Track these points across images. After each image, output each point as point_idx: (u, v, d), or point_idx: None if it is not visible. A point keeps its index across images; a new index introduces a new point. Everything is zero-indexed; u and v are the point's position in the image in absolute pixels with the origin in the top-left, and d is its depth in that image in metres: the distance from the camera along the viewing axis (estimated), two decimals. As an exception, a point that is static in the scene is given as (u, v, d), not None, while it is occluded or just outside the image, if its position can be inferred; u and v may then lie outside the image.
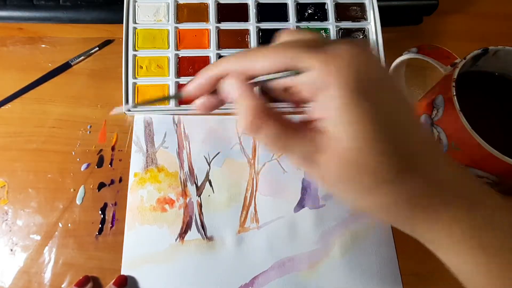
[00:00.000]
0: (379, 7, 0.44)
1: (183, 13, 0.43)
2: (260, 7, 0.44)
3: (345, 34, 0.44)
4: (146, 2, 0.43)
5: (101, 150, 0.39)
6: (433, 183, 0.20)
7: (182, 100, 0.41)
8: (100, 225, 0.36)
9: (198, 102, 0.24)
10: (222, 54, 0.42)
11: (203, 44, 0.42)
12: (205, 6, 0.44)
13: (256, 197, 0.38)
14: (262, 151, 0.40)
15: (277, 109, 0.21)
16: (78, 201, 0.37)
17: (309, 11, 0.45)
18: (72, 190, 0.37)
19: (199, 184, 0.38)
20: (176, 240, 0.36)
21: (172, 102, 0.40)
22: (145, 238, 0.35)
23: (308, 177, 0.38)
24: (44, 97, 0.41)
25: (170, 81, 0.41)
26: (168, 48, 0.42)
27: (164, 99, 0.40)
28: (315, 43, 0.20)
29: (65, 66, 0.42)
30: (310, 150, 0.20)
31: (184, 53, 0.42)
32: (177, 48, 0.42)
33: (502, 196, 0.21)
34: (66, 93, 0.41)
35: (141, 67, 0.41)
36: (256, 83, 0.21)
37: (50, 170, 0.38)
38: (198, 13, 0.43)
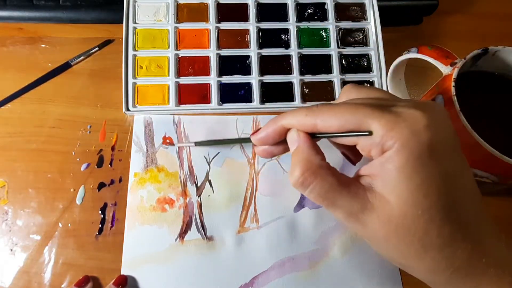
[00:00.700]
0: (379, 7, 0.44)
1: (183, 13, 0.43)
2: (260, 7, 0.44)
3: (345, 34, 0.44)
4: (146, 2, 0.43)
5: (101, 150, 0.39)
6: (478, 254, 0.20)
7: (181, 100, 0.41)
8: (100, 225, 0.36)
9: (261, 148, 0.25)
10: (222, 54, 0.42)
11: (203, 44, 0.42)
12: (205, 6, 0.44)
13: (256, 197, 0.38)
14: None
15: (329, 164, 0.21)
16: (78, 201, 0.37)
17: (309, 11, 0.45)
18: (72, 190, 0.37)
19: (199, 184, 0.38)
20: (176, 240, 0.36)
21: (172, 102, 0.40)
22: (145, 238, 0.35)
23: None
24: (44, 97, 0.41)
25: (170, 81, 0.41)
26: (168, 48, 0.42)
27: (230, 142, 0.39)
28: (383, 102, 0.20)
29: (65, 66, 0.42)
30: (356, 208, 0.20)
31: (184, 53, 0.42)
32: (177, 48, 0.42)
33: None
34: (66, 93, 0.41)
35: (141, 67, 0.41)
36: (320, 138, 0.22)
37: (50, 170, 0.38)
38: (198, 13, 0.43)
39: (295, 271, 0.35)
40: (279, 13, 0.44)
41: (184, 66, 0.42)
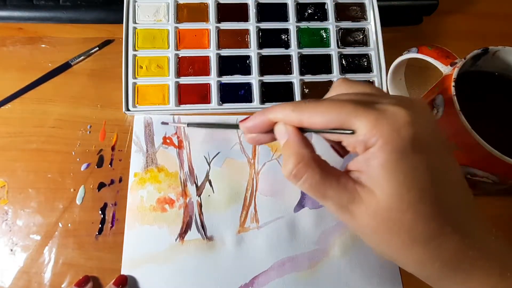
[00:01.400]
0: (379, 7, 0.44)
1: (183, 13, 0.43)
2: (260, 7, 0.44)
3: (345, 34, 0.44)
4: (146, 2, 0.43)
5: (101, 150, 0.39)
6: (466, 247, 0.20)
7: (181, 100, 0.41)
8: (100, 225, 0.36)
9: (249, 136, 0.25)
10: (222, 54, 0.42)
11: (203, 44, 0.42)
12: (205, 6, 0.44)
13: (256, 197, 0.38)
14: (262, 151, 0.40)
15: (321, 157, 0.22)
16: (78, 201, 0.37)
17: (309, 11, 0.45)
18: (72, 190, 0.37)
19: (199, 184, 0.38)
20: (176, 240, 0.36)
21: (172, 102, 0.40)
22: (145, 238, 0.35)
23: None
24: (44, 97, 0.41)
25: (170, 81, 0.41)
26: (168, 48, 0.42)
27: (219, 126, 0.41)
28: (369, 98, 0.21)
29: (65, 66, 0.42)
30: (346, 199, 0.20)
31: (184, 53, 0.42)
32: (177, 48, 0.42)
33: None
34: (66, 93, 0.41)
35: (141, 67, 0.41)
36: (307, 131, 0.22)
37: (50, 170, 0.38)
38: (198, 13, 0.43)
39: (295, 271, 0.35)
40: (279, 13, 0.44)
41: (184, 66, 0.42)
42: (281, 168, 0.22)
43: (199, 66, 0.42)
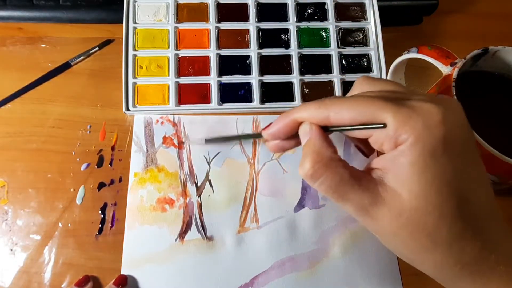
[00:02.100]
0: (379, 7, 0.44)
1: (183, 13, 0.43)
2: (260, 7, 0.44)
3: (345, 33, 0.44)
4: (146, 2, 0.43)
5: (101, 150, 0.39)
6: (488, 251, 0.20)
7: (181, 100, 0.41)
8: (100, 225, 0.36)
9: (272, 143, 0.24)
10: (222, 54, 0.42)
11: (203, 44, 0.42)
12: (205, 6, 0.44)
13: (256, 197, 0.38)
14: (262, 151, 0.40)
15: (340, 157, 0.21)
16: (78, 201, 0.37)
17: (309, 11, 0.45)
18: (72, 190, 0.37)
19: (199, 184, 0.38)
20: (176, 240, 0.36)
21: (172, 102, 0.40)
22: (145, 238, 0.35)
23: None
24: (44, 97, 0.41)
25: (170, 81, 0.41)
26: (168, 48, 0.42)
27: (239, 138, 0.40)
28: (398, 95, 0.20)
29: (65, 66, 0.42)
30: (368, 202, 0.20)
31: (184, 53, 0.42)
32: (177, 48, 0.42)
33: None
34: (66, 93, 0.41)
35: (141, 67, 0.41)
36: (332, 131, 0.22)
37: (50, 170, 0.38)
38: (198, 13, 0.43)
39: (295, 271, 0.35)
40: (279, 13, 0.44)
41: (184, 66, 0.42)
42: (298, 168, 0.21)
43: (199, 66, 0.42)
